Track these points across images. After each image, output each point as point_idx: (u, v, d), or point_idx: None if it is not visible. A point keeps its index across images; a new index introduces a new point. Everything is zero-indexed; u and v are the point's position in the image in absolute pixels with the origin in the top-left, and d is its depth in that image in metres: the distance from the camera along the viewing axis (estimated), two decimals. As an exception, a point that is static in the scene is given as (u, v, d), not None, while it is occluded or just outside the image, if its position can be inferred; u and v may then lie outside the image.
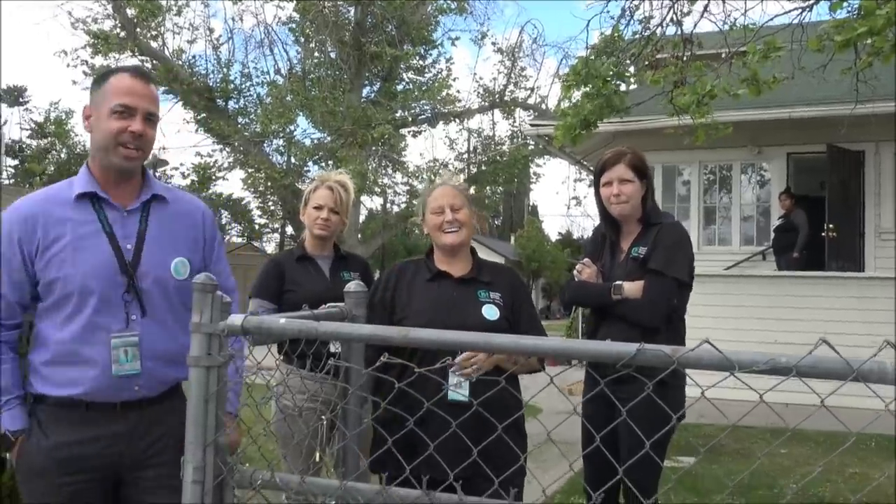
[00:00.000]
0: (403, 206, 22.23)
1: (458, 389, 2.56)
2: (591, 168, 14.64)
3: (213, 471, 1.63)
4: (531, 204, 53.50)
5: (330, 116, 18.88)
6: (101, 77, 2.32)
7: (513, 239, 38.38)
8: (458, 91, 30.20)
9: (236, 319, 1.62)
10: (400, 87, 21.51)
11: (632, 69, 7.83)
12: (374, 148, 20.26)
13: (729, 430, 6.86)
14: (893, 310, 8.48)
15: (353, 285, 2.33)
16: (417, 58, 21.89)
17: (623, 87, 7.25)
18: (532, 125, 12.95)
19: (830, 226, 9.94)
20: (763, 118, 9.93)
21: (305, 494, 1.61)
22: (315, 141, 20.65)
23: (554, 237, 46.75)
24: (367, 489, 1.58)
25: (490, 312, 2.71)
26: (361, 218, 22.14)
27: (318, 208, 3.55)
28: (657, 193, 11.67)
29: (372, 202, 23.48)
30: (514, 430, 2.48)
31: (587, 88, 6.59)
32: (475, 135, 22.36)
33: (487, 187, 23.34)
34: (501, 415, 1.81)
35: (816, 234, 10.11)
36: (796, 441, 6.91)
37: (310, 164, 20.86)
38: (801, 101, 9.65)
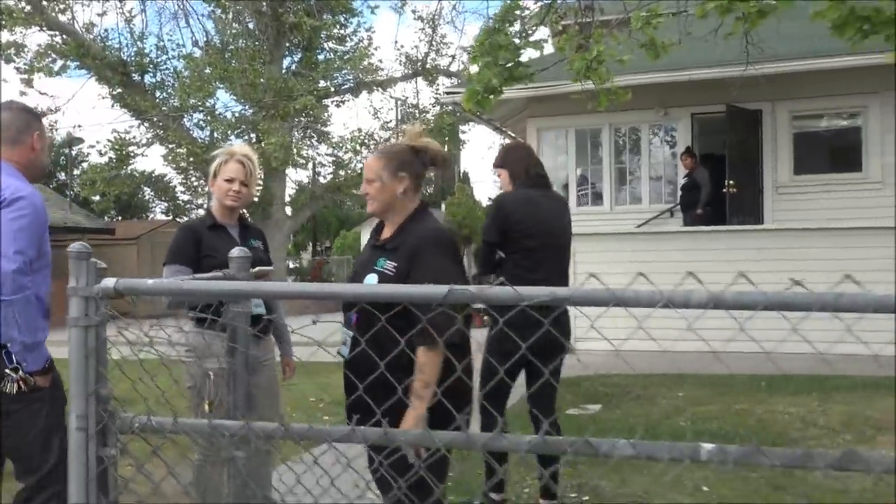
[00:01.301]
0: (330, 177, 22.21)
1: (343, 347, 2.80)
2: (512, 134, 14.95)
3: (95, 418, 1.83)
4: (462, 171, 53.79)
5: (250, 88, 18.66)
6: None
7: (443, 206, 38.61)
8: (381, 60, 29.95)
9: (109, 283, 1.81)
10: (321, 57, 21.34)
11: (537, 36, 8.06)
12: (297, 119, 20.13)
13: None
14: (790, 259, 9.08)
15: (237, 251, 2.51)
16: (338, 27, 21.72)
17: (525, 57, 7.48)
18: (447, 93, 13.14)
19: (731, 182, 10.49)
20: (665, 81, 10.36)
21: (180, 433, 1.82)
22: (236, 114, 20.40)
23: (485, 203, 47.19)
24: (233, 425, 1.80)
25: (369, 280, 2.72)
26: (289, 191, 22.03)
27: (230, 181, 3.68)
28: (572, 157, 12.08)
29: (297, 174, 23.31)
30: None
31: (489, 59, 6.81)
32: (400, 103, 22.41)
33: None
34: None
35: (719, 191, 10.65)
36: (694, 385, 7.40)
37: (232, 137, 20.61)
38: (699, 63, 10.08)
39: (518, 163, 3.99)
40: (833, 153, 11.17)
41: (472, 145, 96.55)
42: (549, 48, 10.16)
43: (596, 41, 7.69)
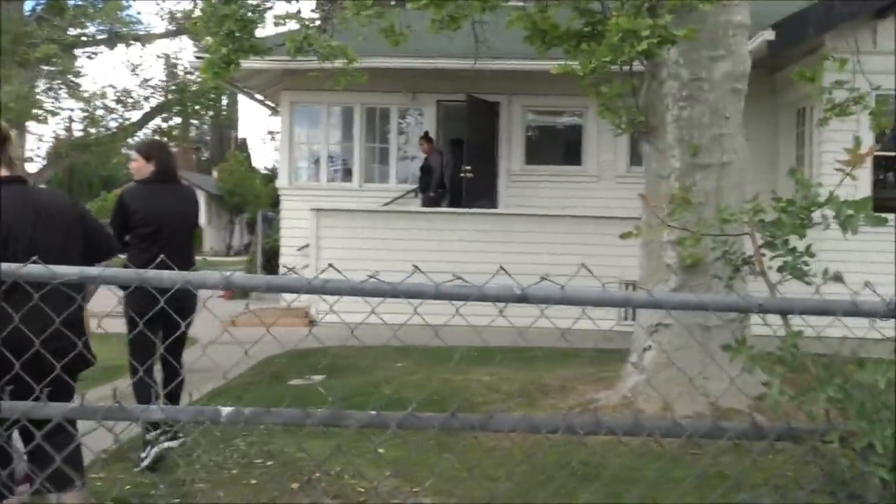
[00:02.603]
0: (81, 133, 20.63)
1: None
2: (272, 105, 14.77)
3: None
4: (240, 137, 52.11)
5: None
6: None
7: (214, 173, 37.26)
8: (139, 13, 28.14)
9: None
10: (71, 3, 19.66)
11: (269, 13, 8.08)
12: (40, 68, 18.44)
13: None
14: (511, 241, 9.93)
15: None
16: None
17: (271, 31, 7.51)
18: (197, 57, 12.72)
19: (468, 168, 11.22)
20: (410, 66, 10.85)
21: None
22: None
23: (262, 171, 46.09)
24: None
25: None
26: (31, 146, 20.14)
27: None
28: (323, 133, 12.25)
29: (40, 128, 21.31)
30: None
31: (220, 30, 6.78)
32: (161, 60, 21.28)
33: (174, 117, 22.40)
34: None
35: (456, 175, 11.36)
36: (415, 358, 7.91)
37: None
38: (443, 53, 10.63)
39: (163, 157, 4.65)
40: (559, 147, 12.31)
41: (254, 111, 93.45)
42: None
43: (339, 21, 7.94)
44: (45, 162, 19.52)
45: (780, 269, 1.78)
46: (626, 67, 5.34)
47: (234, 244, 34.15)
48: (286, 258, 11.51)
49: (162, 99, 21.55)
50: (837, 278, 1.72)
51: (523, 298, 1.68)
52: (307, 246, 10.36)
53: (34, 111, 16.73)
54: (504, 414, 5.06)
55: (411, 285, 1.70)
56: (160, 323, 4.03)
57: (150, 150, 4.70)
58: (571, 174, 11.82)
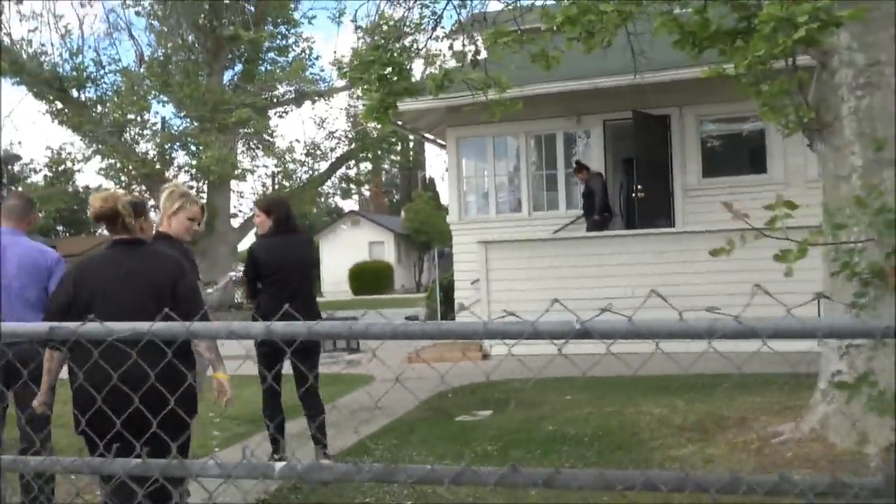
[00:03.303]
0: (276, 187, 22.25)
1: None
2: (440, 142, 15.09)
3: None
4: (427, 177, 53.98)
5: (190, 101, 18.65)
6: None
7: (402, 213, 38.77)
8: (322, 70, 30.02)
9: None
10: (262, 69, 21.40)
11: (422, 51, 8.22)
12: (239, 132, 20.18)
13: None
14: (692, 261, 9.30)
15: None
16: (280, 38, 21.78)
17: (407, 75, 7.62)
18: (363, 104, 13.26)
19: (639, 187, 10.72)
20: (574, 89, 10.59)
21: None
22: (178, 128, 20.39)
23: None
24: None
25: None
26: (234, 202, 21.99)
27: (192, 220, 4.27)
28: (490, 165, 12.28)
29: (240, 186, 23.20)
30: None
31: (367, 76, 6.99)
32: (344, 113, 22.53)
33: (360, 163, 23.55)
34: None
35: (629, 196, 10.89)
36: (583, 387, 7.57)
37: (176, 149, 20.60)
38: (604, 72, 10.28)
39: (280, 212, 5.15)
40: (740, 156, 11.45)
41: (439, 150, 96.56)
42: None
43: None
44: (247, 217, 21.18)
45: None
46: (789, 60, 4.81)
47: (423, 281, 35.16)
48: (460, 292, 11.57)
49: (346, 148, 22.77)
50: None
51: (584, 334, 1.44)
52: (478, 280, 10.34)
53: (234, 171, 18.25)
54: (623, 455, 4.63)
55: (455, 325, 1.50)
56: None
57: (269, 206, 5.25)
58: (756, 184, 10.92)
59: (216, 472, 1.66)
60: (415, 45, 8.21)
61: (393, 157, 25.80)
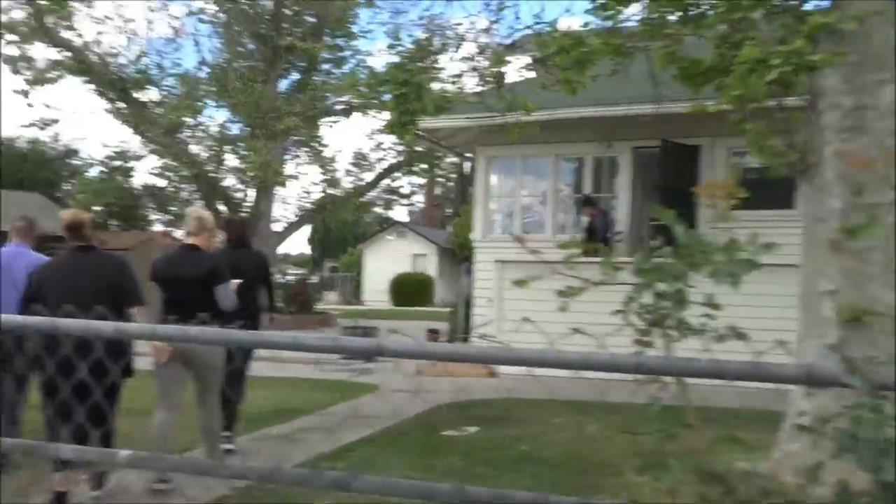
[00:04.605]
0: (321, 194, 22.66)
1: None
2: (469, 156, 15.22)
3: None
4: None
5: (246, 107, 19.24)
6: None
7: (448, 228, 39.00)
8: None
9: None
10: (318, 80, 21.92)
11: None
12: (287, 139, 20.71)
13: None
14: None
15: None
16: (337, 49, 22.26)
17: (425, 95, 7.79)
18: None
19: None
20: (599, 115, 10.67)
21: None
22: (228, 132, 21.01)
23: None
24: None
25: None
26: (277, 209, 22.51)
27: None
28: (519, 185, 12.38)
29: (287, 191, 23.64)
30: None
31: (377, 94, 7.22)
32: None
33: (406, 176, 23.85)
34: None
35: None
36: (580, 410, 7.60)
37: (227, 153, 21.23)
38: (635, 99, 10.32)
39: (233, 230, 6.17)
40: (771, 190, 11.31)
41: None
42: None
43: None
44: (289, 222, 21.68)
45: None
46: (775, 101, 4.86)
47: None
48: (479, 309, 11.69)
49: (393, 161, 23.14)
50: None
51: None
52: (492, 300, 10.47)
53: (276, 177, 18.74)
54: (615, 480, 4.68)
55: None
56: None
57: (225, 225, 6.28)
58: (783, 218, 10.77)
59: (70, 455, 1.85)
60: (437, 64, 8.41)
61: (439, 171, 25.99)
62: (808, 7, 5.30)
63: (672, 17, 5.80)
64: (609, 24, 6.18)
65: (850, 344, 4.48)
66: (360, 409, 7.82)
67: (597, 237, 10.97)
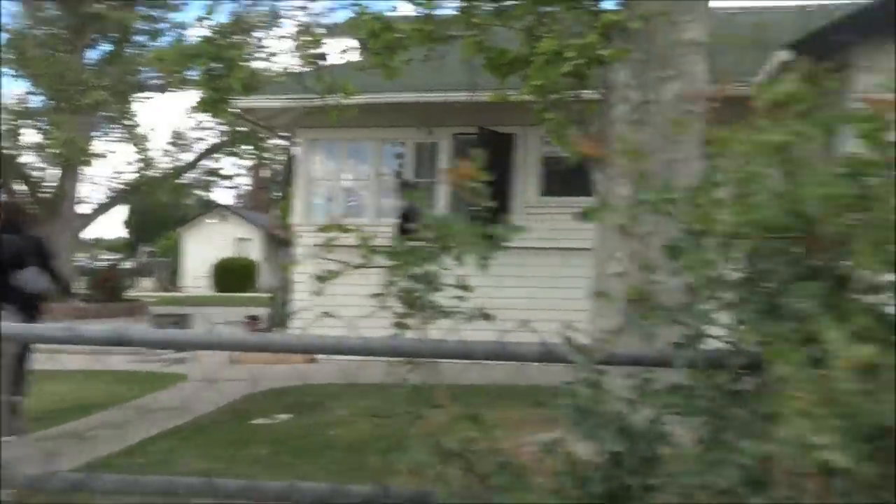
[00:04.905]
0: (135, 175, 21.37)
1: None
2: (296, 142, 14.94)
3: None
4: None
5: (48, 79, 17.71)
6: None
7: (273, 211, 38.11)
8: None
9: None
10: (132, 52, 20.57)
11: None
12: (99, 114, 19.31)
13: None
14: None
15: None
16: (152, 21, 20.98)
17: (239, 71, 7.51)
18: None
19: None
20: (418, 100, 10.79)
21: None
22: (29, 105, 19.27)
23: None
24: None
25: None
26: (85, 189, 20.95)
27: None
28: (340, 169, 12.30)
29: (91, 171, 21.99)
30: None
31: (182, 70, 6.87)
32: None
33: (228, 157, 22.99)
34: None
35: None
36: (395, 394, 7.67)
37: (27, 127, 19.46)
38: (453, 86, 10.49)
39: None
40: (575, 178, 11.95)
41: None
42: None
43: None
44: (97, 204, 20.27)
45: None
46: (573, 92, 5.11)
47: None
48: (298, 294, 11.52)
49: (216, 141, 22.21)
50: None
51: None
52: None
53: (82, 156, 17.39)
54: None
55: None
56: None
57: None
58: (585, 205, 11.44)
59: None
60: (257, 41, 8.12)
61: (266, 153, 25.25)
62: (605, 5, 5.63)
63: (487, 7, 5.95)
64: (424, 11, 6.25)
65: (633, 322, 4.82)
66: (165, 402, 7.46)
67: (411, 222, 11.11)
